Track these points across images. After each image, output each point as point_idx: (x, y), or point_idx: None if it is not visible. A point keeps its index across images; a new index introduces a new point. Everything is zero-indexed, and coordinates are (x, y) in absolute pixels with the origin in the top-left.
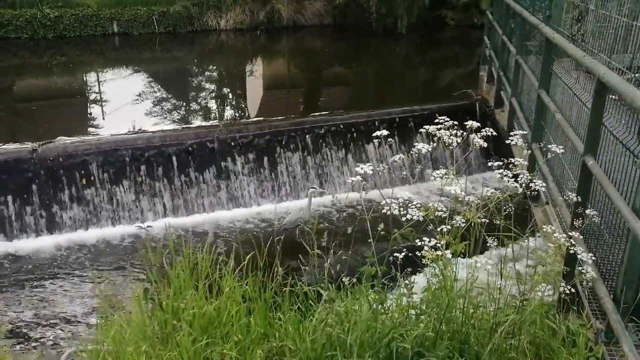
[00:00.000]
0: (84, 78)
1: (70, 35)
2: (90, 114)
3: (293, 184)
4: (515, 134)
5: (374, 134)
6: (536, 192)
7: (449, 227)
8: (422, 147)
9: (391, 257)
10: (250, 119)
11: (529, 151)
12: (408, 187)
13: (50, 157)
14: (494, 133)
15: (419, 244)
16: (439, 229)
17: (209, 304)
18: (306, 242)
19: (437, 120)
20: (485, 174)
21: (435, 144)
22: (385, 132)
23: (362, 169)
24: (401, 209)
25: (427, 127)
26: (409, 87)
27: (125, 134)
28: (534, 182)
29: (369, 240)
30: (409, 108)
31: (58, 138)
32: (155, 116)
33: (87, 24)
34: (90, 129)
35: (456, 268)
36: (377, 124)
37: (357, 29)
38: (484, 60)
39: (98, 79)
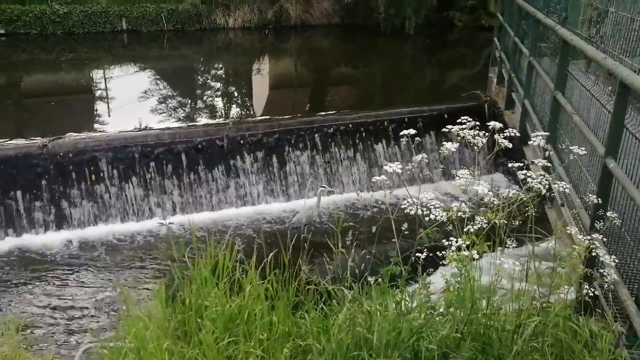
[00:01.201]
0: (92, 75)
1: (79, 31)
2: (98, 110)
3: (301, 183)
4: (536, 135)
5: (401, 133)
6: (552, 194)
7: (474, 227)
8: (450, 146)
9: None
10: (260, 118)
11: (549, 152)
12: (416, 188)
13: (60, 152)
14: (517, 134)
15: (442, 243)
16: (465, 229)
17: (231, 301)
18: (318, 240)
19: (459, 121)
20: (494, 176)
21: (458, 144)
22: (412, 131)
23: (390, 167)
24: (423, 209)
25: (449, 126)
26: (416, 87)
27: (134, 130)
28: (557, 184)
29: (393, 240)
30: (418, 108)
31: (68, 134)
32: (163, 113)
33: (96, 21)
34: (99, 126)
35: (478, 269)
36: (385, 123)
37: (365, 29)
38: (493, 62)
39: (106, 76)
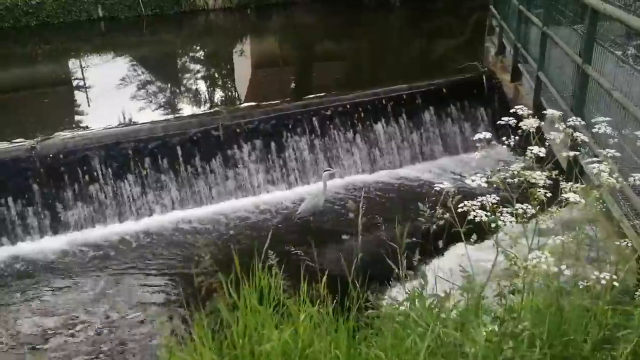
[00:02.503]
0: (71, 67)
1: (53, 22)
2: (81, 106)
3: (302, 169)
4: (600, 122)
5: (476, 137)
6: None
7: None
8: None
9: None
10: (254, 104)
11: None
12: (420, 166)
13: (50, 154)
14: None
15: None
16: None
17: (281, 330)
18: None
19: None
20: (496, 149)
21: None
22: (488, 135)
23: (474, 180)
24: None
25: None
26: (409, 61)
27: (125, 125)
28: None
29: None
30: (416, 84)
31: (56, 133)
32: (151, 105)
33: (71, 9)
34: (85, 122)
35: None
36: (384, 102)
37: (348, 3)
38: (489, 31)
39: (86, 68)
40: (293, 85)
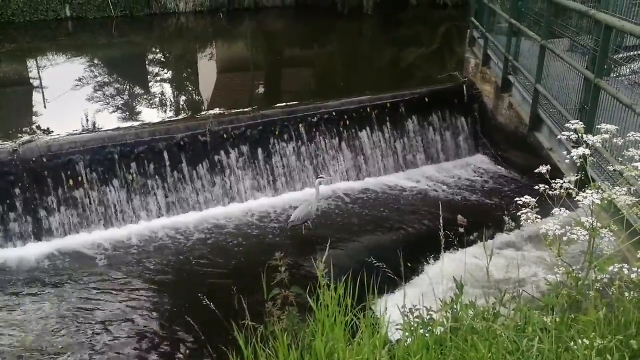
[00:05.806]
0: (33, 67)
1: (19, 20)
2: (35, 107)
3: (289, 175)
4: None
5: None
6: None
7: None
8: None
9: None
10: (242, 109)
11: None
12: (403, 174)
13: (32, 157)
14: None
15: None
16: None
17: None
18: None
19: None
20: (476, 157)
21: None
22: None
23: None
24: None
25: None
26: (386, 70)
27: (112, 129)
28: None
29: None
30: (399, 92)
31: (38, 136)
32: (114, 110)
33: (38, 8)
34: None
35: None
36: (368, 110)
37: (320, 10)
38: (471, 42)
39: (49, 68)
40: (264, 90)
